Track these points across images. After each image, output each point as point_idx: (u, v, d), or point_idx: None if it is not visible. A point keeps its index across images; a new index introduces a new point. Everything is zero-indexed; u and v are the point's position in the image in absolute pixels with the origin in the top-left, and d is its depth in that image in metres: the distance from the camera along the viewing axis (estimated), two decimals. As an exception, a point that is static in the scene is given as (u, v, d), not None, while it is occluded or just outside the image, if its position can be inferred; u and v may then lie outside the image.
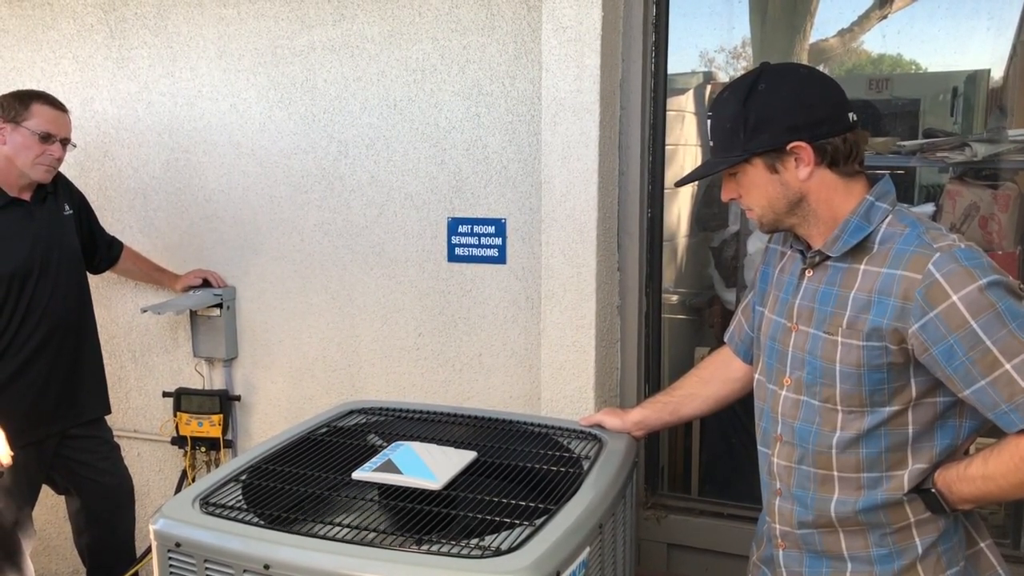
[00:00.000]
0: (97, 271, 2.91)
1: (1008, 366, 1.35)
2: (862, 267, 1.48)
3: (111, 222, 3.02)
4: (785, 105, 1.48)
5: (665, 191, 2.44)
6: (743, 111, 1.49)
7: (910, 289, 1.39)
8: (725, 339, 1.93)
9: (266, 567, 1.51)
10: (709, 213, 2.81)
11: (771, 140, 1.47)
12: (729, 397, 1.92)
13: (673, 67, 2.39)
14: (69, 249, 2.70)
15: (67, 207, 2.71)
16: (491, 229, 2.57)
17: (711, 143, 1.57)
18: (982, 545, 1.57)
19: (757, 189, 1.53)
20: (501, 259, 2.57)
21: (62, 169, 2.74)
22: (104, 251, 2.89)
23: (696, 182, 2.82)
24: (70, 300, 2.68)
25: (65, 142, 2.61)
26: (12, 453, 2.46)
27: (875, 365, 1.45)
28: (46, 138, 2.53)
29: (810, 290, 1.56)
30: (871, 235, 1.48)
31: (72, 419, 2.71)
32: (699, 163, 2.82)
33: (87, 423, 2.76)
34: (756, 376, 1.71)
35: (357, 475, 1.77)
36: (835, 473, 1.53)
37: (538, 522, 1.57)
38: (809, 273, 1.57)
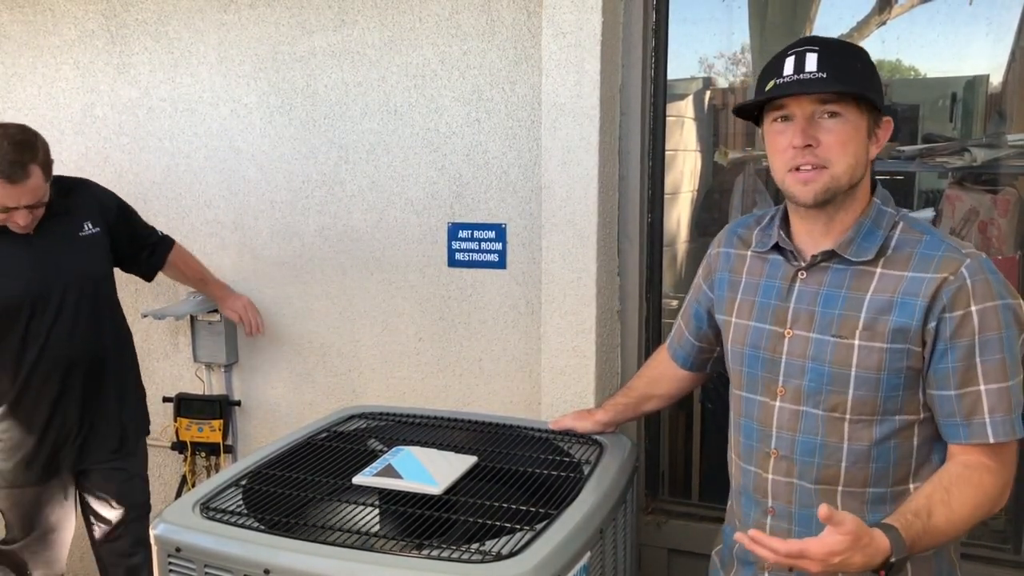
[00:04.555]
0: (147, 279, 2.80)
1: (982, 388, 1.38)
2: (878, 270, 1.45)
3: (112, 227, 3.02)
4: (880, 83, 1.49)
5: (665, 196, 2.44)
6: (870, 63, 1.46)
7: (941, 289, 1.39)
8: (666, 344, 1.93)
9: (267, 572, 1.51)
10: (709, 218, 2.81)
11: (881, 103, 1.46)
12: (681, 393, 1.96)
13: (673, 72, 2.39)
14: (81, 276, 2.45)
15: (88, 225, 2.49)
16: (491, 234, 2.57)
17: (819, 74, 1.40)
18: None
19: (854, 143, 1.42)
20: (501, 264, 2.58)
21: (95, 177, 2.62)
22: (144, 261, 2.70)
23: (698, 187, 2.83)
24: (81, 333, 2.43)
25: (33, 207, 2.31)
26: None
27: (896, 368, 1.43)
28: (4, 210, 2.28)
29: (807, 293, 1.51)
30: (886, 239, 1.47)
31: (83, 463, 2.53)
32: (700, 166, 2.83)
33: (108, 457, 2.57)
34: (733, 390, 1.65)
35: (358, 480, 1.77)
36: (840, 488, 1.49)
37: (539, 527, 1.57)
38: (803, 275, 1.52)
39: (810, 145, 1.41)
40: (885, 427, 1.46)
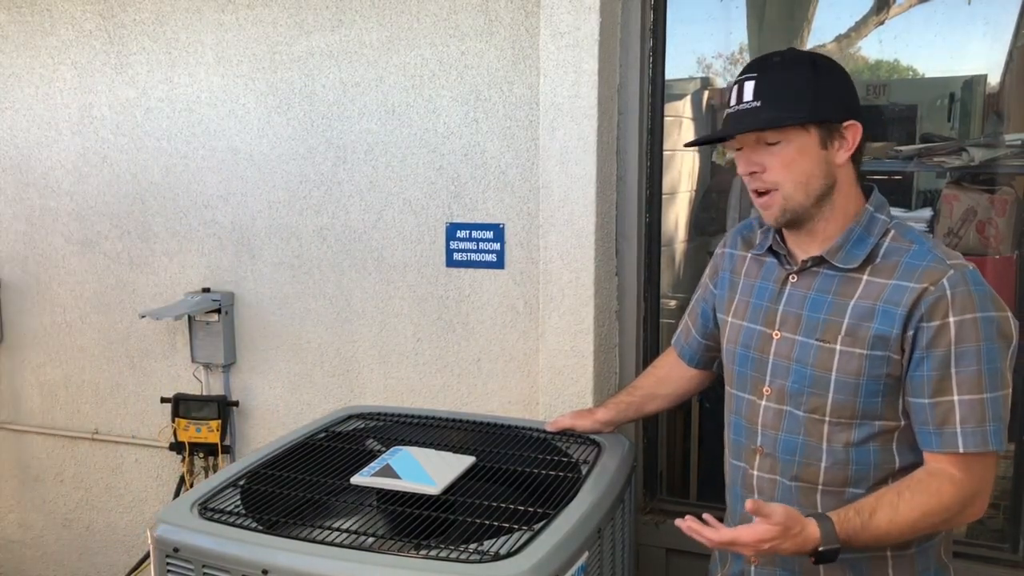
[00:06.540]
0: None
1: (955, 398, 1.39)
2: (864, 277, 1.47)
3: (109, 228, 3.02)
4: (844, 84, 1.48)
5: (663, 196, 2.44)
6: (815, 76, 1.44)
7: (920, 298, 1.40)
8: (672, 342, 1.94)
9: (264, 572, 1.51)
10: (707, 218, 2.82)
11: (834, 112, 1.45)
12: (687, 394, 1.96)
13: (671, 72, 2.39)
14: None
15: None
16: (489, 234, 2.57)
17: (754, 103, 1.44)
18: None
19: (801, 163, 1.44)
20: (499, 264, 2.58)
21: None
22: None
23: (696, 187, 2.84)
24: None
25: None
26: None
27: (875, 375, 1.44)
28: None
29: (796, 296, 1.53)
30: (875, 247, 1.47)
31: None
32: (698, 166, 2.83)
33: None
34: (727, 387, 1.68)
35: (356, 480, 1.77)
36: (819, 486, 1.51)
37: (537, 527, 1.57)
38: (794, 279, 1.55)
39: (756, 172, 1.47)
40: (864, 431, 1.48)
